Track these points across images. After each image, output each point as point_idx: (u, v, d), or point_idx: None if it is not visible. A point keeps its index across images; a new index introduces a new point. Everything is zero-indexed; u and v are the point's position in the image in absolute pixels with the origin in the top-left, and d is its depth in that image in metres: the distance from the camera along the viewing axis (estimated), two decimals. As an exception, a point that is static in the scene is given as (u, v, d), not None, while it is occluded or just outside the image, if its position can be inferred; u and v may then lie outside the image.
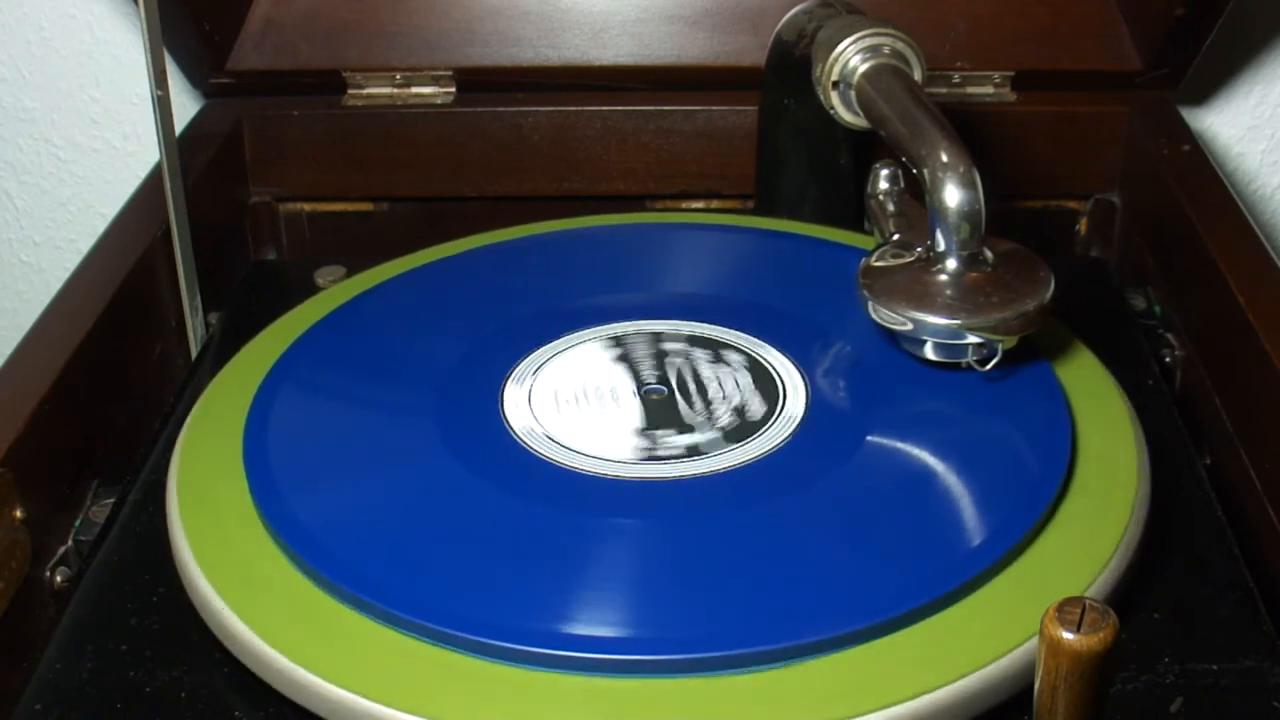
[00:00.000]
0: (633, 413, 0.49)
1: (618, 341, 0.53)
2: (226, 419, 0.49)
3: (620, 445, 0.47)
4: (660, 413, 0.49)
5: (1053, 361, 0.51)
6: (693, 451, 0.46)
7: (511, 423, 0.48)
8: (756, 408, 0.48)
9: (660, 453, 0.47)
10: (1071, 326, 0.53)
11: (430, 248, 0.60)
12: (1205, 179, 0.64)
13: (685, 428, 0.48)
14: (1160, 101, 0.72)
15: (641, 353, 0.52)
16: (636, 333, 0.53)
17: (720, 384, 0.50)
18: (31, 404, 0.49)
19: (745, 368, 0.50)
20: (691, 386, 0.50)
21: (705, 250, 0.60)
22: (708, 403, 0.49)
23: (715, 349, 0.52)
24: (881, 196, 0.57)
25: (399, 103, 0.73)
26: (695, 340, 0.52)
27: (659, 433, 0.48)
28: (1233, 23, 0.72)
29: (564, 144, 0.73)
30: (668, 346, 0.52)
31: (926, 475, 0.45)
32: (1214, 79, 0.81)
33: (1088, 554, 0.42)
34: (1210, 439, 0.56)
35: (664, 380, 0.50)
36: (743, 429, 0.47)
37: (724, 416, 0.48)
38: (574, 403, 0.49)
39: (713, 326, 0.53)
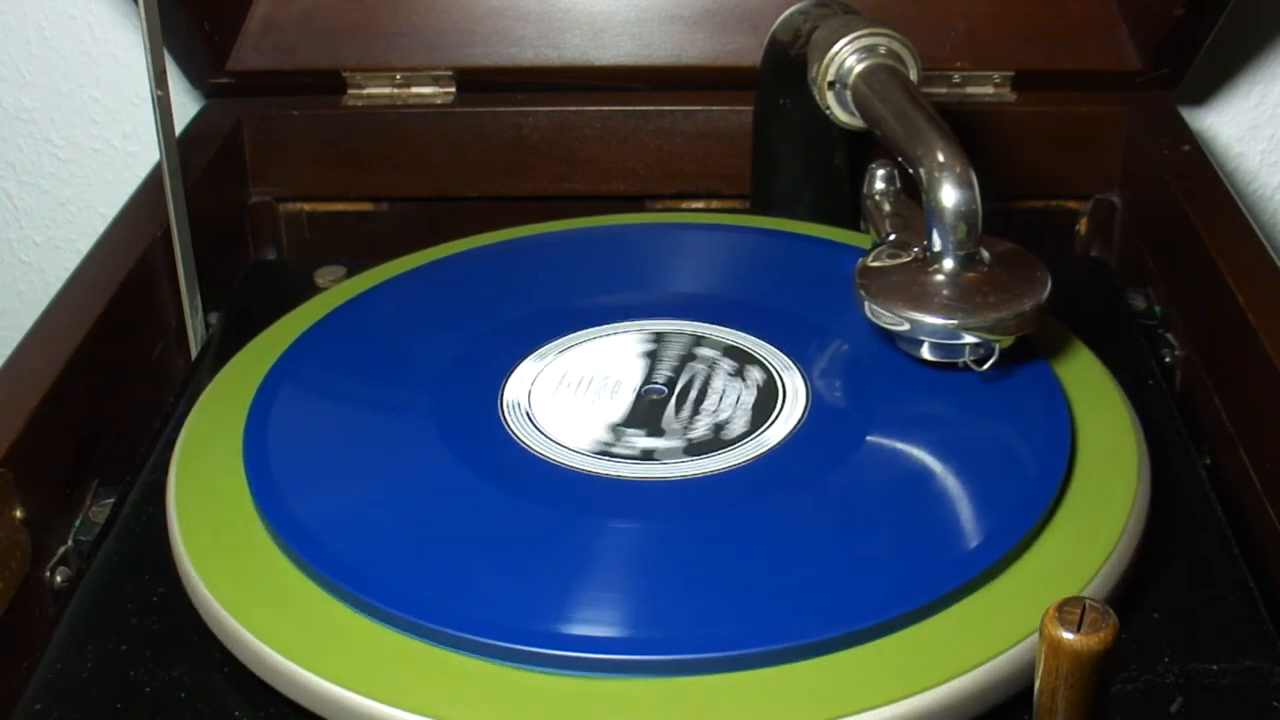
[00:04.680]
0: (620, 408, 0.49)
1: (656, 338, 0.53)
2: (226, 419, 0.50)
3: (585, 436, 0.47)
4: (644, 413, 0.49)
5: (1052, 361, 0.51)
6: (646, 455, 0.46)
7: (509, 418, 0.48)
8: (738, 427, 0.48)
9: (616, 450, 0.47)
10: (1071, 326, 0.53)
11: (430, 248, 0.60)
12: (1205, 179, 0.64)
13: (656, 431, 0.48)
14: (1160, 101, 0.72)
15: (671, 353, 0.52)
16: (648, 330, 0.53)
17: (722, 397, 0.49)
18: (31, 404, 0.49)
19: (758, 386, 0.50)
20: (693, 394, 0.50)
21: (713, 250, 0.60)
22: (696, 413, 0.49)
23: (742, 362, 0.51)
24: (878, 196, 0.57)
25: (399, 103, 0.73)
26: (730, 350, 0.52)
27: (629, 431, 0.48)
28: (1233, 23, 0.72)
29: (564, 144, 0.73)
30: (700, 351, 0.52)
31: (927, 475, 0.45)
32: (1214, 79, 0.81)
33: (1088, 554, 0.42)
34: (1210, 439, 0.56)
35: (671, 383, 0.50)
36: (709, 444, 0.47)
37: (700, 429, 0.48)
38: (572, 388, 0.49)
39: (722, 328, 0.53)
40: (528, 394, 0.49)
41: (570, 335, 0.53)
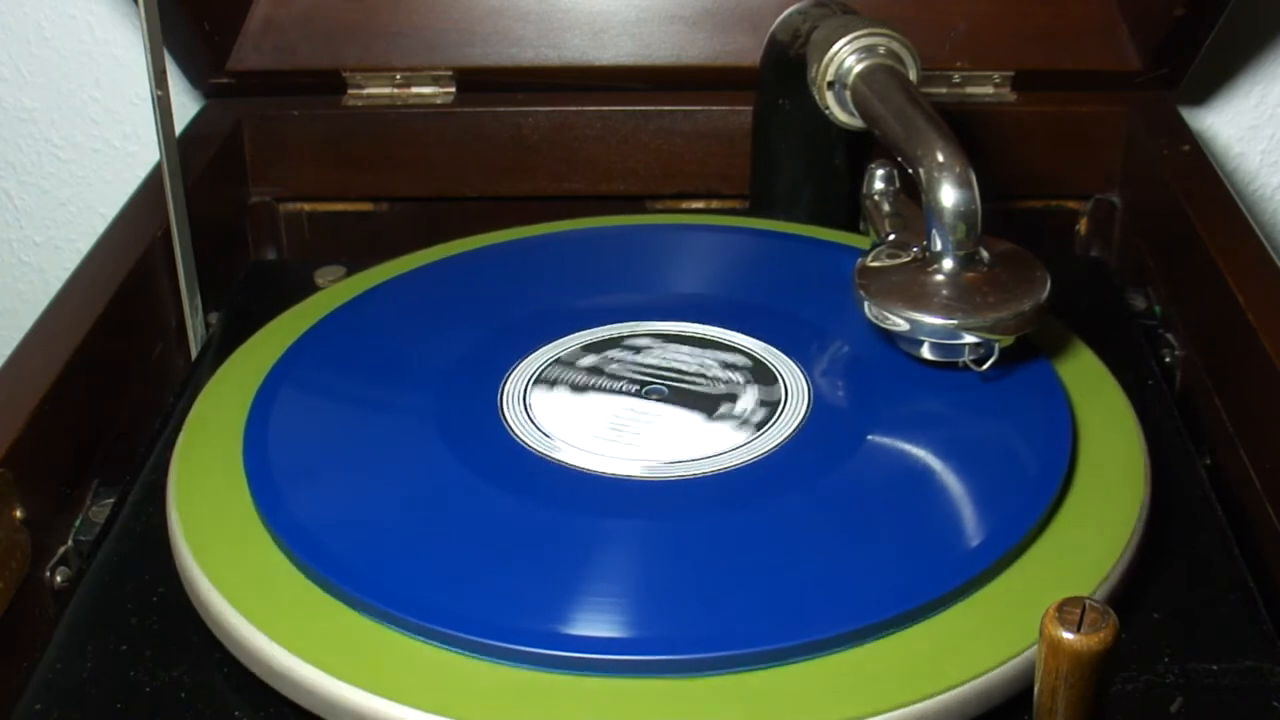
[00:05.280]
0: (622, 408, 0.49)
1: (627, 340, 0.53)
2: (226, 419, 0.50)
3: (587, 436, 0.47)
4: (647, 412, 0.49)
5: (1053, 361, 0.51)
6: (651, 455, 0.46)
7: (509, 417, 0.48)
8: (753, 413, 0.48)
9: (619, 451, 0.46)
10: (1071, 327, 0.53)
11: (430, 248, 0.60)
12: (1205, 179, 0.64)
13: (663, 431, 0.48)
14: (1160, 101, 0.72)
15: (649, 353, 0.52)
16: (646, 333, 0.53)
17: (722, 388, 0.49)
18: (31, 404, 0.49)
19: (751, 372, 0.50)
20: (694, 389, 0.50)
21: (713, 251, 0.60)
22: (705, 406, 0.49)
23: (724, 352, 0.51)
24: (877, 197, 0.57)
25: (399, 103, 0.73)
26: (706, 342, 0.52)
27: (632, 431, 0.48)
28: (1233, 23, 0.72)
29: (564, 144, 0.73)
30: (677, 347, 0.52)
31: (928, 475, 0.45)
32: (1214, 79, 0.81)
33: (1088, 554, 0.42)
34: (1210, 439, 0.56)
35: (671, 383, 0.50)
36: (736, 433, 0.47)
37: (718, 420, 0.48)
38: (572, 399, 0.49)
39: (722, 329, 0.53)
40: (527, 394, 0.49)
41: (571, 335, 0.53)
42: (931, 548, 0.42)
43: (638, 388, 0.50)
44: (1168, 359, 0.60)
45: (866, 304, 0.48)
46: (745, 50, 0.72)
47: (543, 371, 0.51)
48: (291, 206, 0.75)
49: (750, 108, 0.64)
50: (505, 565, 0.42)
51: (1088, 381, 0.50)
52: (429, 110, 0.73)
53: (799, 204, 0.63)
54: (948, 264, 0.48)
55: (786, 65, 0.59)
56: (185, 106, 0.75)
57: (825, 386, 0.50)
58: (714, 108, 0.72)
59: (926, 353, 0.48)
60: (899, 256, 0.50)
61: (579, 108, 0.72)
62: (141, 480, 0.51)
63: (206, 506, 0.46)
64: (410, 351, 0.53)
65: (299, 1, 0.73)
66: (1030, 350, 0.50)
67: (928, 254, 0.49)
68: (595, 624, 0.39)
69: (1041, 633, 0.34)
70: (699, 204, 0.74)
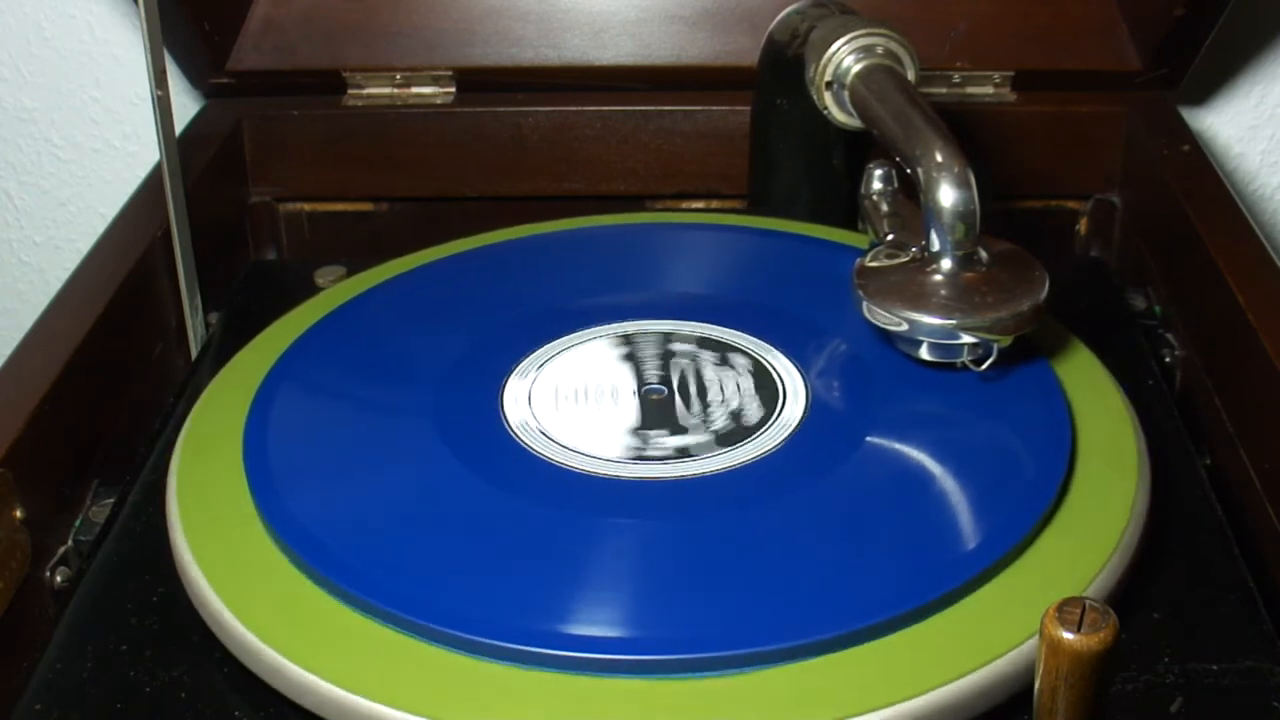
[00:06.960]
0: (629, 412, 0.49)
1: (625, 340, 0.53)
2: (226, 419, 0.50)
3: (612, 444, 0.47)
4: (657, 413, 0.49)
5: (1052, 361, 0.51)
6: (682, 453, 0.46)
7: (509, 417, 0.48)
8: (754, 412, 0.48)
9: (649, 453, 0.47)
10: (1071, 327, 0.53)
11: (430, 248, 0.60)
12: (1205, 179, 0.64)
13: (679, 429, 0.48)
14: (1160, 101, 0.72)
15: (647, 352, 0.52)
16: (644, 332, 0.53)
17: (721, 387, 0.50)
18: (31, 404, 0.49)
19: (749, 371, 0.51)
20: (693, 388, 0.50)
21: (710, 250, 0.60)
22: (705, 405, 0.49)
23: (722, 351, 0.52)
24: (876, 197, 0.57)
25: (399, 103, 0.73)
26: (703, 342, 0.52)
27: (651, 433, 0.48)
28: (1233, 23, 0.72)
29: (564, 144, 0.73)
30: (675, 347, 0.52)
31: (927, 475, 0.45)
32: (1214, 79, 0.81)
33: (1088, 554, 0.42)
34: (1210, 439, 0.56)
35: (666, 381, 0.50)
36: (736, 433, 0.47)
37: (719, 420, 0.48)
38: (572, 400, 0.49)
39: (720, 328, 0.53)
40: (531, 413, 0.49)
41: (571, 335, 0.53)
42: (930, 548, 0.42)
43: (638, 387, 0.50)
44: (1168, 359, 0.60)
45: (865, 304, 0.48)
46: (745, 50, 0.72)
47: (546, 368, 0.51)
48: (291, 206, 0.75)
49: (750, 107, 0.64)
50: (505, 565, 0.42)
51: (1086, 381, 0.50)
52: (429, 110, 0.73)
53: (797, 204, 0.63)
54: (946, 264, 0.48)
55: (785, 65, 0.59)
56: (185, 106, 0.75)
57: (823, 387, 0.50)
58: (714, 108, 0.72)
59: (925, 353, 0.48)
60: (897, 256, 0.50)
61: (579, 108, 0.72)
62: (141, 480, 0.51)
63: (207, 506, 0.46)
64: (410, 351, 0.53)
65: (299, 1, 0.73)
66: (1030, 350, 0.50)
67: (926, 254, 0.49)
68: (594, 624, 0.39)
69: (1041, 633, 0.34)
70: (699, 204, 0.74)
